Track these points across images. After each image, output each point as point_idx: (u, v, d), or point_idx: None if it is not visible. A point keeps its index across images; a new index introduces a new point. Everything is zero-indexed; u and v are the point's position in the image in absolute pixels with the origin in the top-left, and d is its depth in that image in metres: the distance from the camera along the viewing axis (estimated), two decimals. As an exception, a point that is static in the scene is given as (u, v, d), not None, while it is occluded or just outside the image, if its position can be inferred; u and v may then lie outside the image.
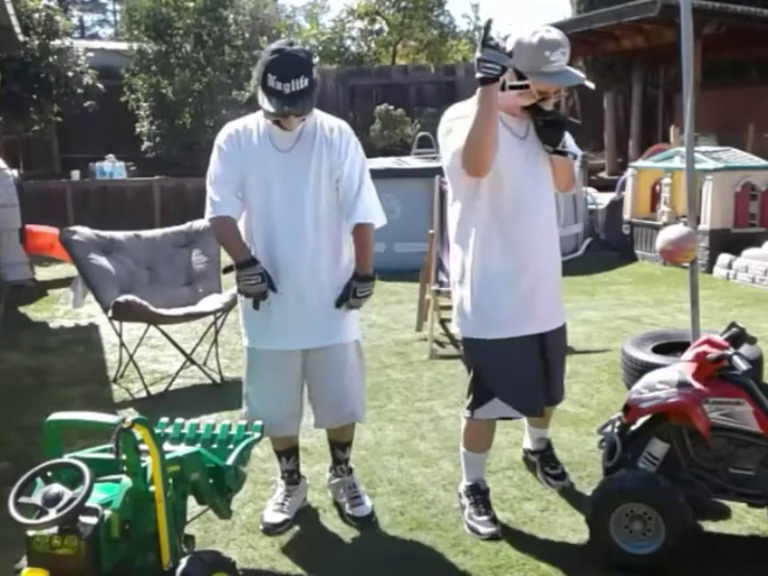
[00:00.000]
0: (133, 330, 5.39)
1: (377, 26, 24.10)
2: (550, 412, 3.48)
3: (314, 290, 3.02)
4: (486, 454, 3.28)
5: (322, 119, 3.04)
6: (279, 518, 3.18)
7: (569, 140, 3.01)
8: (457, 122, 2.91)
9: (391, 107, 14.85)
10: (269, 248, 3.02)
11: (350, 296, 3.00)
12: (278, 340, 3.06)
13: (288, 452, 3.31)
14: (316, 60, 2.95)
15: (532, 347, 3.06)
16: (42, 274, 8.98)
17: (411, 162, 9.50)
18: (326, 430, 3.34)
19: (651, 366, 3.86)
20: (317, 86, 2.84)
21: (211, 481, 2.68)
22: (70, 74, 12.18)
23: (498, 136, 2.83)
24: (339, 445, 3.33)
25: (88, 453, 2.50)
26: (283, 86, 2.75)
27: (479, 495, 3.18)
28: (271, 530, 3.13)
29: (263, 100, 2.83)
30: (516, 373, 3.03)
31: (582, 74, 2.91)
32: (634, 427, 2.95)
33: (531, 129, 2.97)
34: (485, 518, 3.11)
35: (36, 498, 2.21)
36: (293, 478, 3.31)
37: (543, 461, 3.52)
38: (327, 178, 3.00)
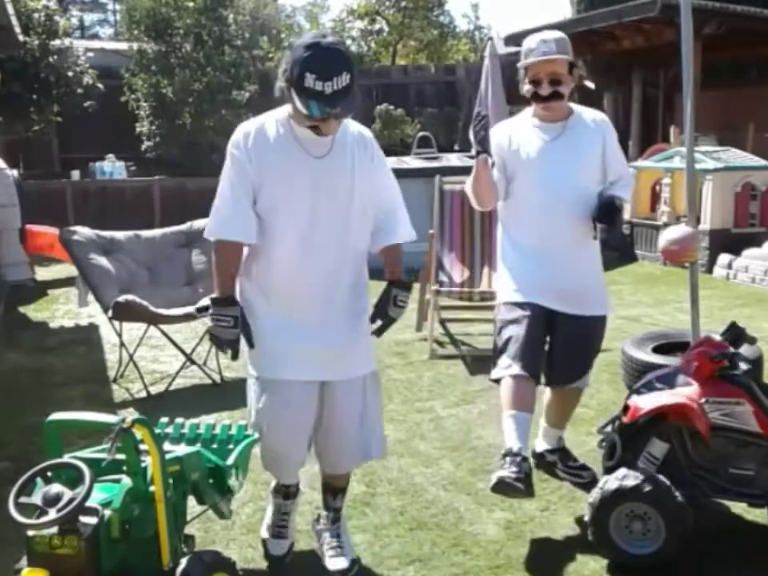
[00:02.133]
0: (133, 330, 5.39)
1: (377, 26, 24.12)
2: (569, 413, 3.59)
3: (338, 315, 2.68)
4: (522, 415, 3.09)
5: (345, 122, 2.66)
6: (283, 547, 2.95)
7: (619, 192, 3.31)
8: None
9: (391, 107, 14.84)
10: (291, 267, 2.63)
11: (390, 305, 2.65)
12: (297, 368, 2.65)
13: (288, 495, 2.97)
14: None
15: (540, 318, 3.23)
16: (42, 274, 8.98)
17: (411, 162, 9.50)
18: (320, 470, 2.95)
19: (651, 366, 3.87)
20: (356, 84, 2.45)
21: (211, 481, 2.68)
22: (70, 73, 12.16)
23: (530, 138, 3.29)
24: (333, 489, 2.95)
25: (88, 453, 2.50)
26: (324, 85, 2.35)
27: (511, 456, 2.97)
28: (278, 562, 2.92)
29: (298, 102, 2.42)
30: (521, 333, 3.19)
31: (561, 55, 3.20)
32: (633, 427, 2.95)
33: (568, 131, 3.28)
34: (505, 471, 2.91)
35: (36, 498, 2.21)
36: (290, 490, 2.98)
37: (564, 457, 3.60)
38: (361, 185, 2.66)
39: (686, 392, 2.85)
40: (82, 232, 5.26)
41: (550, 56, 3.18)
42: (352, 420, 2.76)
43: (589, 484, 3.34)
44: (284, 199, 2.59)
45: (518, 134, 3.33)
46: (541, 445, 3.65)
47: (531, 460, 3.68)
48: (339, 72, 2.37)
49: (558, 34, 3.28)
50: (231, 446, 2.79)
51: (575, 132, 3.29)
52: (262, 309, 2.68)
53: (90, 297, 5.24)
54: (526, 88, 3.28)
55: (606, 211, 3.20)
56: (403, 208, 2.81)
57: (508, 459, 2.97)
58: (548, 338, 3.32)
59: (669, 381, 2.95)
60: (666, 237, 3.53)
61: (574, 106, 3.38)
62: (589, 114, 3.38)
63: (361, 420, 2.78)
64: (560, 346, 3.32)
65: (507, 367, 3.18)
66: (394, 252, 2.81)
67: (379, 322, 2.72)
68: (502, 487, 2.91)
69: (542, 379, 3.35)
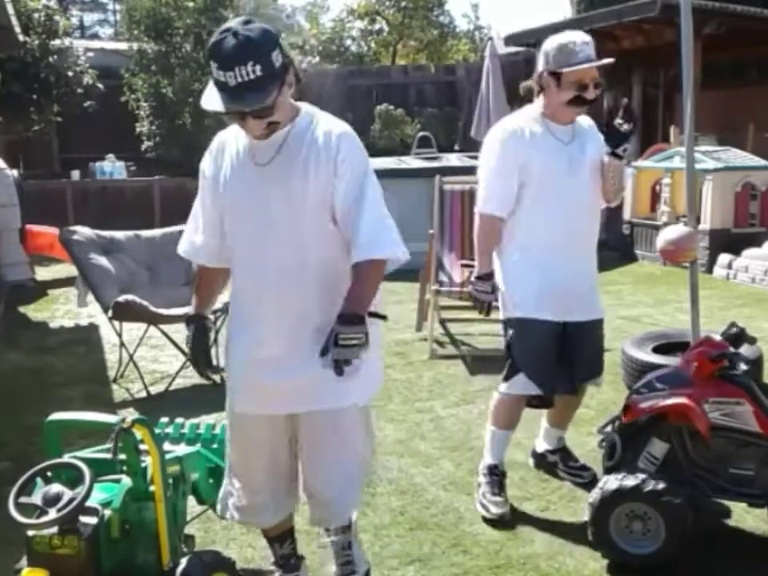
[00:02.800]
0: (133, 330, 5.39)
1: (377, 26, 24.16)
2: (572, 414, 3.62)
3: (306, 343, 2.29)
4: (509, 433, 3.37)
5: (317, 123, 2.33)
6: None
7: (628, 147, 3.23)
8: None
9: (391, 107, 14.85)
10: (247, 287, 2.40)
11: (330, 345, 2.14)
12: (254, 401, 2.40)
13: (282, 537, 2.67)
14: (299, 48, 2.22)
15: (554, 333, 3.22)
16: (42, 274, 8.98)
17: (411, 161, 9.50)
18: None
19: (651, 366, 3.87)
20: (281, 78, 2.14)
21: (211, 481, 2.68)
22: (70, 73, 12.16)
23: (547, 142, 3.19)
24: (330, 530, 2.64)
25: (88, 453, 2.50)
26: (226, 75, 2.09)
27: (496, 476, 3.27)
28: None
29: (212, 98, 2.18)
30: (539, 352, 3.21)
31: (600, 60, 3.16)
32: (633, 427, 2.95)
33: (576, 136, 3.22)
34: (498, 498, 3.21)
35: (36, 498, 2.21)
36: (290, 563, 2.70)
37: (565, 457, 3.62)
38: (317, 197, 2.28)
39: (686, 392, 2.85)
40: (82, 232, 5.26)
41: (596, 62, 3.12)
42: (326, 458, 2.43)
43: (589, 484, 3.34)
44: (233, 213, 2.37)
45: (532, 136, 3.20)
46: (541, 445, 3.65)
47: (530, 460, 3.69)
48: (243, 62, 2.07)
49: (586, 36, 3.18)
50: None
51: (583, 135, 3.25)
52: (233, 329, 2.47)
53: (90, 297, 5.25)
54: (565, 93, 3.10)
55: (616, 133, 3.13)
56: (369, 211, 2.28)
57: (495, 482, 3.28)
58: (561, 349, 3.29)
59: (669, 381, 2.95)
60: (664, 237, 3.53)
61: None
62: (581, 118, 3.32)
63: (331, 464, 2.43)
64: (579, 356, 3.28)
65: (523, 386, 3.23)
66: (358, 273, 2.25)
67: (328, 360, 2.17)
68: (497, 522, 3.17)
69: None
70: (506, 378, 3.29)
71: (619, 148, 3.15)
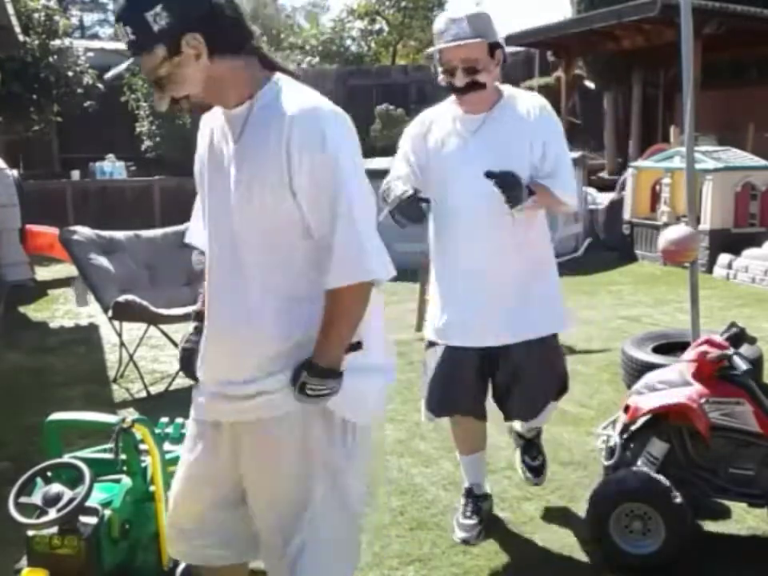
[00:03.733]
0: (133, 330, 5.39)
1: (377, 26, 24.19)
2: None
3: (248, 366, 1.89)
4: (474, 457, 3.19)
5: (279, 93, 1.81)
6: None
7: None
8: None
9: (391, 107, 14.84)
10: (207, 304, 2.08)
11: (295, 389, 1.82)
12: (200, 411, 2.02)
13: None
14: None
15: (465, 359, 2.91)
16: (42, 274, 8.98)
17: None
18: None
19: (651, 366, 3.86)
20: (166, 42, 1.75)
21: (211, 481, 2.68)
22: (70, 73, 12.17)
23: (450, 134, 2.86)
24: None
25: (88, 453, 2.50)
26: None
27: (470, 498, 3.17)
28: None
29: None
30: (437, 377, 2.99)
31: (476, 38, 2.67)
32: (633, 427, 2.95)
33: (486, 124, 2.80)
34: (468, 521, 3.10)
35: (36, 498, 2.21)
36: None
37: (526, 449, 3.36)
38: (274, 195, 1.79)
39: (686, 392, 2.85)
40: (82, 232, 5.26)
41: (463, 41, 2.63)
42: (271, 525, 1.93)
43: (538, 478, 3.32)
44: (207, 197, 1.96)
45: (439, 127, 2.87)
46: (517, 425, 3.35)
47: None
48: (118, 21, 1.80)
49: (473, 10, 2.73)
50: (231, 446, 2.78)
51: (498, 123, 2.78)
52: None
53: (91, 296, 5.25)
54: (440, 78, 2.79)
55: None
56: (348, 222, 1.79)
57: (470, 505, 3.11)
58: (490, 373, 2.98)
59: (669, 381, 2.95)
60: (665, 237, 3.53)
61: (509, 90, 2.88)
62: (524, 101, 2.83)
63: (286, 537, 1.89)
64: (505, 382, 2.96)
65: (428, 414, 3.10)
66: (331, 306, 1.83)
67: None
68: (464, 543, 3.03)
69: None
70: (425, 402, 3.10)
71: (512, 207, 2.65)
